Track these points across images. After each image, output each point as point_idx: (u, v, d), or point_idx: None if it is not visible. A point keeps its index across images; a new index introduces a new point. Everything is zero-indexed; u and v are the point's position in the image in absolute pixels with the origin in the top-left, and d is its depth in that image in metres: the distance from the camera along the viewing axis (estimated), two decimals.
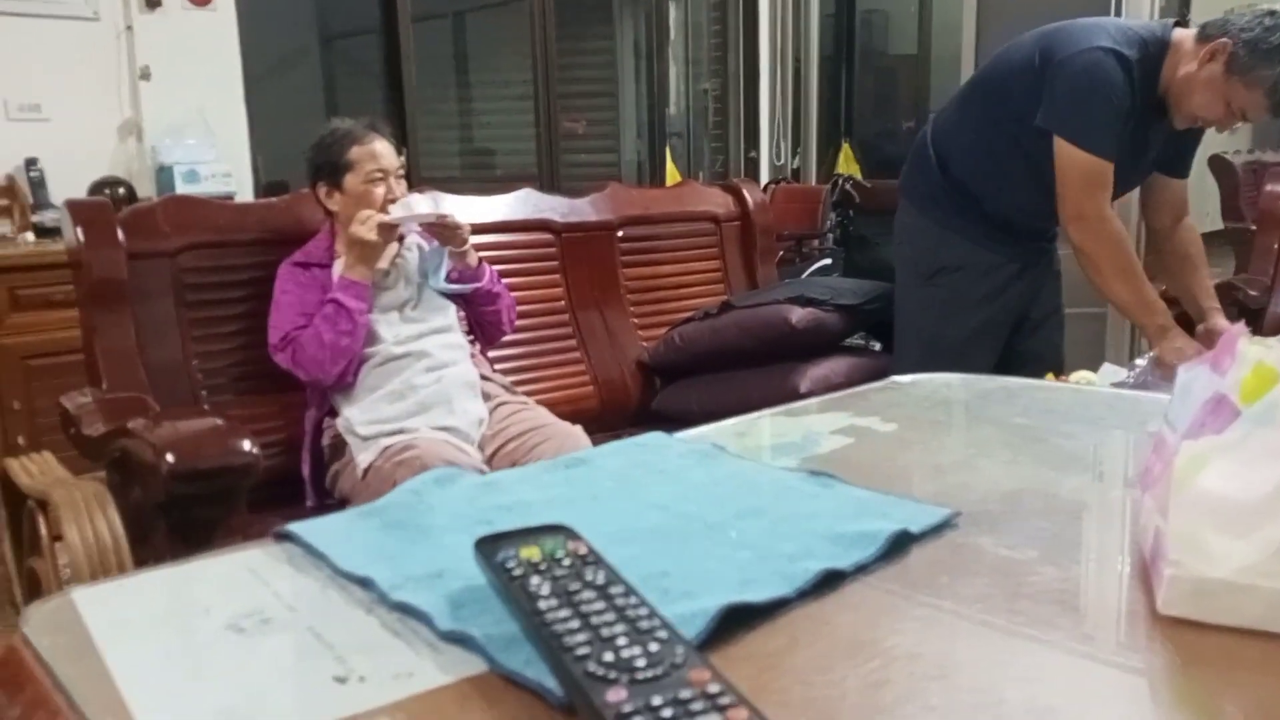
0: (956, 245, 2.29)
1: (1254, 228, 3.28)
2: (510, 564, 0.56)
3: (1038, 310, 2.40)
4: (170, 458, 1.52)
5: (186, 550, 0.75)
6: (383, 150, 2.07)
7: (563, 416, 2.08)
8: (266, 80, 4.12)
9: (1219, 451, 0.61)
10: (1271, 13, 2.00)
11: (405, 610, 0.59)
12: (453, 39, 5.01)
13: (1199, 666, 0.55)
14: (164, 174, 3.47)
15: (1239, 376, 0.64)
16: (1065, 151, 2.09)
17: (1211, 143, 5.83)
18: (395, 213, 2.00)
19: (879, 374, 1.38)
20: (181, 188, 3.35)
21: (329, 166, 2.06)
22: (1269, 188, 3.20)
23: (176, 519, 1.60)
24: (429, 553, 0.67)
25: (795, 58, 5.15)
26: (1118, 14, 3.28)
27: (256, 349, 2.06)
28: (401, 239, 2.09)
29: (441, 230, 2.06)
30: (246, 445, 1.56)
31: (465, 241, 2.07)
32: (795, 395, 2.12)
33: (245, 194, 3.63)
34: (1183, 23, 2.19)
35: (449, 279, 2.09)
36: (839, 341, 2.73)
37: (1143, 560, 0.65)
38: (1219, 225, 5.54)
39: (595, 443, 1.70)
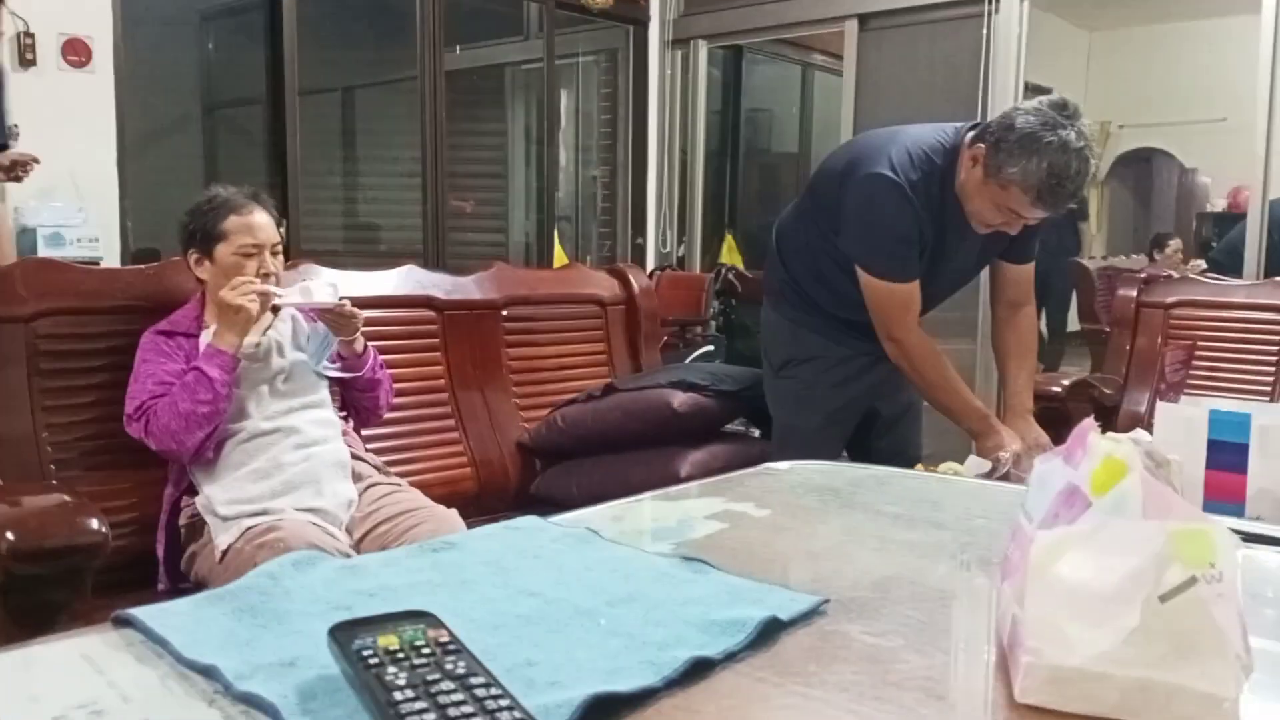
0: (805, 339, 2.33)
1: (1108, 330, 3.47)
2: (366, 652, 0.54)
3: (890, 407, 2.42)
4: (10, 535, 1.42)
5: (25, 637, 0.70)
6: (261, 223, 2.02)
7: (438, 499, 2.03)
8: (145, 146, 4.02)
9: (1073, 541, 0.63)
10: (1019, 108, 1.97)
11: (250, 702, 0.56)
12: (341, 113, 4.99)
13: None
14: (25, 236, 3.32)
15: (1090, 469, 0.67)
16: (865, 279, 2.15)
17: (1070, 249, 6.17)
18: (290, 297, 1.94)
19: (758, 459, 1.39)
20: (44, 251, 3.21)
21: (202, 234, 2.00)
22: (1121, 292, 3.39)
23: (16, 602, 1.49)
24: (281, 640, 0.63)
25: (682, 149, 5.29)
26: (984, 102, 3.45)
27: (113, 421, 1.95)
28: (276, 310, 2.02)
29: (337, 318, 2.00)
30: (95, 523, 1.47)
31: (357, 330, 2.03)
32: (676, 479, 2.12)
33: (113, 260, 3.50)
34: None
35: (331, 362, 2.04)
36: (719, 427, 2.75)
37: (1003, 649, 0.66)
38: (1076, 326, 5.86)
39: (471, 527, 1.66)
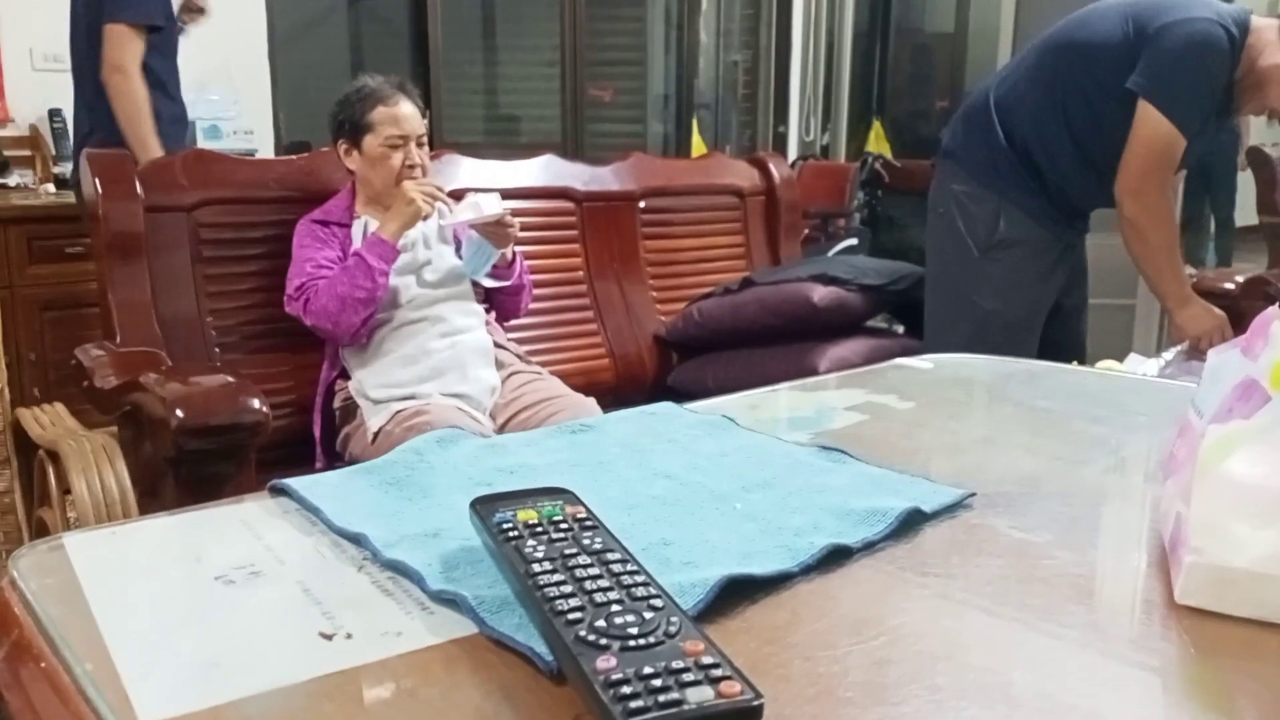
0: (1016, 218, 2.20)
1: None
2: (506, 525, 0.55)
3: (1069, 298, 2.34)
4: (180, 413, 1.51)
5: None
6: (407, 114, 2.04)
7: (577, 388, 2.06)
8: (292, 39, 4.10)
9: (1247, 437, 0.58)
10: None
11: (396, 569, 0.58)
12: (481, 3, 4.97)
13: (1215, 658, 0.53)
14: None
15: (1271, 360, 0.62)
16: (1150, 119, 2.02)
17: (1252, 135, 5.72)
18: (461, 214, 1.97)
19: (901, 355, 1.35)
20: (202, 143, 3.34)
21: (350, 125, 2.04)
22: None
23: (186, 475, 1.59)
24: (426, 512, 0.65)
25: (829, 32, 5.07)
26: None
27: (272, 307, 2.05)
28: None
29: (496, 229, 2.02)
30: (256, 404, 1.55)
31: (511, 242, 2.05)
32: (814, 374, 2.08)
33: (267, 151, 3.62)
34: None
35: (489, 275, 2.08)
36: (862, 322, 2.69)
37: (1162, 548, 0.63)
38: (1254, 219, 5.45)
39: None
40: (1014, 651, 0.52)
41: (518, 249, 2.14)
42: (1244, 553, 0.55)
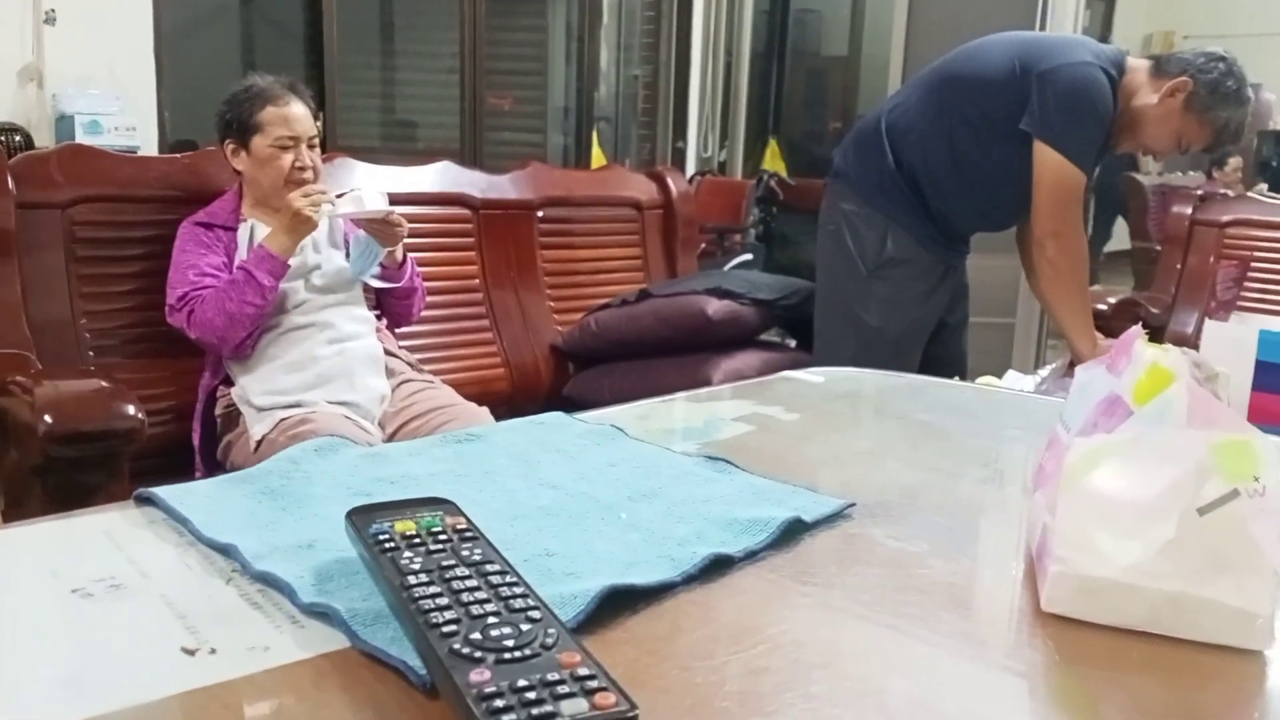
0: (902, 240, 2.26)
1: (1159, 248, 3.38)
2: (382, 536, 0.54)
3: (951, 316, 2.41)
4: (48, 418, 1.44)
5: None
6: (297, 115, 1.99)
7: (471, 398, 2.03)
8: (182, 34, 3.97)
9: (1110, 450, 0.60)
10: (1221, 57, 2.11)
11: (267, 581, 0.56)
12: (379, 6, 4.90)
13: (1080, 665, 0.55)
14: (64, 123, 3.32)
15: (1134, 377, 0.64)
16: (1051, 162, 2.10)
17: (1125, 165, 6.00)
18: (343, 207, 1.92)
19: (791, 369, 1.37)
20: (82, 139, 3.20)
21: (238, 124, 1.98)
22: (1175, 209, 3.30)
23: (54, 484, 1.52)
24: (300, 523, 0.63)
25: (728, 51, 5.15)
26: (1043, 26, 3.34)
27: (151, 310, 1.97)
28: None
29: (384, 228, 1.98)
30: (131, 409, 1.49)
31: (400, 240, 2.01)
32: (708, 386, 2.10)
33: (150, 150, 3.49)
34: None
35: (374, 274, 2.03)
36: (754, 336, 2.73)
37: (1031, 557, 0.65)
38: (1127, 245, 5.72)
39: None
40: (889, 659, 0.53)
41: (410, 253, 2.11)
42: (1106, 563, 0.57)
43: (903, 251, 2.26)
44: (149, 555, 0.60)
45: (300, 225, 1.88)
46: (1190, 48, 2.17)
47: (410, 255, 2.11)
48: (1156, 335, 2.92)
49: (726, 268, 3.97)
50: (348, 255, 2.05)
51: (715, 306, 2.53)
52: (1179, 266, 3.15)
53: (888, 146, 2.27)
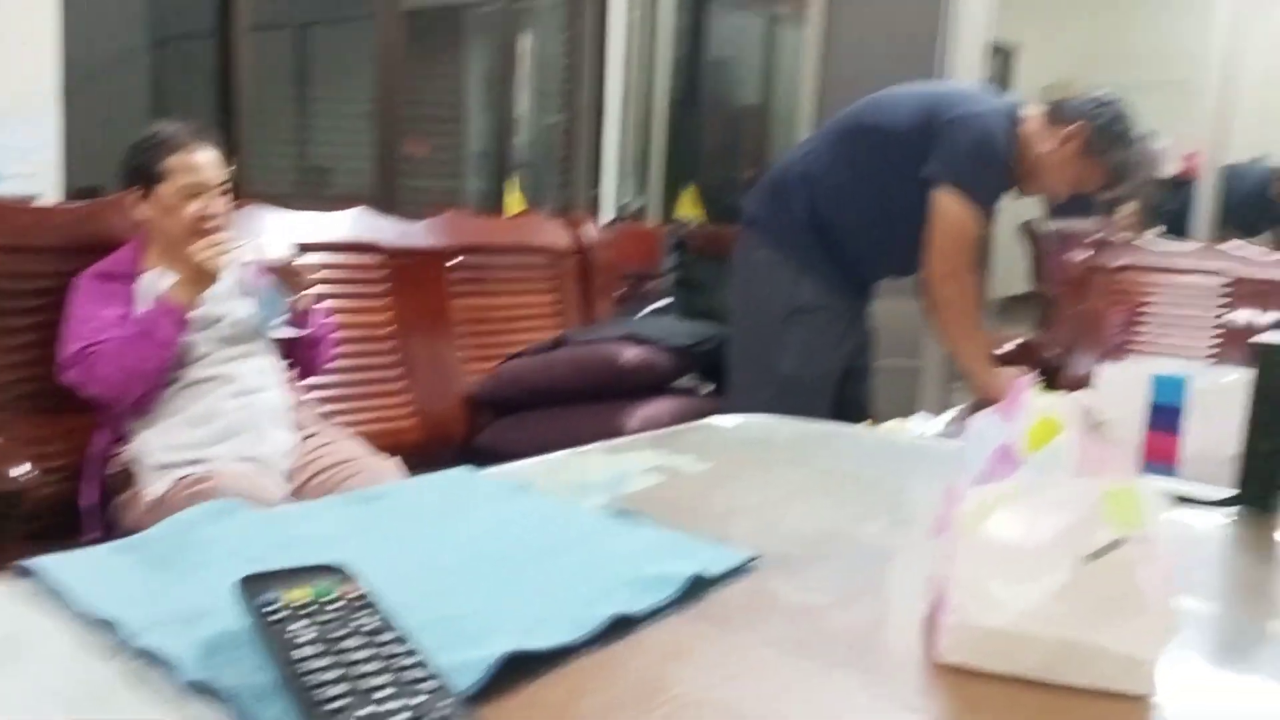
0: (813, 286, 2.30)
1: (1055, 293, 3.50)
2: (272, 606, 0.52)
3: (858, 362, 2.46)
4: None
5: None
6: (205, 161, 1.95)
7: (382, 449, 1.99)
8: (88, 78, 3.87)
9: (1002, 499, 0.62)
10: (1109, 101, 2.20)
11: (150, 656, 0.54)
12: (294, 51, 4.86)
13: (975, 715, 0.55)
14: None
15: (1025, 426, 0.66)
16: (952, 205, 2.15)
17: (1022, 210, 6.22)
18: (246, 255, 1.89)
19: (707, 415, 1.38)
20: None
21: (143, 172, 1.93)
22: (1069, 255, 3.42)
23: None
24: (190, 593, 0.61)
25: (644, 99, 5.21)
26: (941, 75, 3.46)
27: (45, 365, 1.89)
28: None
29: (287, 276, 1.94)
30: (20, 470, 1.43)
31: (304, 289, 1.98)
32: (623, 433, 2.09)
33: (53, 197, 3.38)
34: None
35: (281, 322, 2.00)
36: (670, 382, 2.74)
37: (930, 608, 0.66)
38: (1026, 288, 5.91)
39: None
40: (791, 714, 0.53)
41: (321, 301, 2.07)
42: (1000, 611, 0.59)
43: (815, 298, 2.30)
44: (25, 631, 0.57)
45: (203, 277, 1.84)
46: (1080, 92, 2.24)
47: (320, 303, 2.08)
48: (1054, 378, 3.01)
49: (642, 314, 3.99)
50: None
51: (630, 353, 2.54)
52: (1074, 311, 3.26)
53: (799, 194, 2.32)
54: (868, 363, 2.49)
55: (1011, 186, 2.26)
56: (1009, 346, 2.84)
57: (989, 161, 2.17)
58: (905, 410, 2.27)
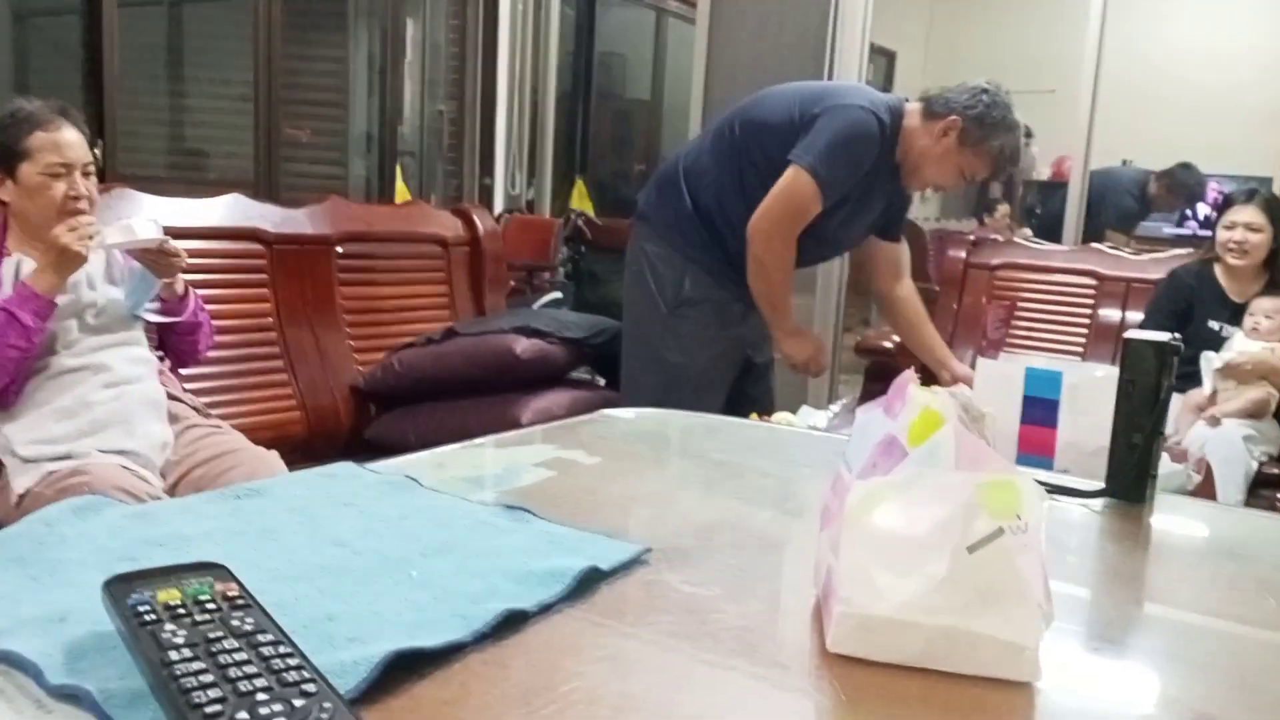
0: (700, 279, 2.33)
1: (937, 289, 3.61)
2: (142, 608, 0.49)
3: (760, 356, 2.49)
4: None
5: None
6: (70, 141, 1.85)
7: (264, 442, 1.93)
8: None
9: (887, 491, 0.63)
10: (985, 90, 2.24)
11: (10, 661, 0.50)
12: (167, 29, 4.65)
13: (863, 704, 0.56)
14: None
15: (908, 420, 0.68)
16: (796, 177, 2.18)
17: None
18: (111, 236, 1.79)
19: (601, 408, 1.38)
20: None
21: (4, 151, 1.82)
22: (950, 253, 3.53)
23: None
24: (53, 593, 0.58)
25: (534, 90, 5.17)
26: (829, 77, 3.53)
27: None
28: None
29: (159, 258, 1.86)
30: None
31: (177, 272, 1.89)
32: (516, 426, 2.08)
33: None
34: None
35: (151, 306, 1.91)
36: (564, 374, 2.73)
37: (817, 598, 0.67)
38: None
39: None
40: (683, 709, 0.53)
41: (197, 290, 1.99)
42: (885, 600, 0.60)
43: (701, 291, 2.32)
44: None
45: (67, 261, 1.75)
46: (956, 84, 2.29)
47: (195, 289, 2.00)
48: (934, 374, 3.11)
49: (535, 306, 3.96)
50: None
51: (523, 345, 2.52)
52: (955, 306, 3.37)
53: (685, 188, 2.35)
54: (769, 358, 2.51)
55: (898, 181, 2.31)
56: (895, 340, 2.92)
57: (846, 149, 2.20)
58: (794, 404, 2.30)
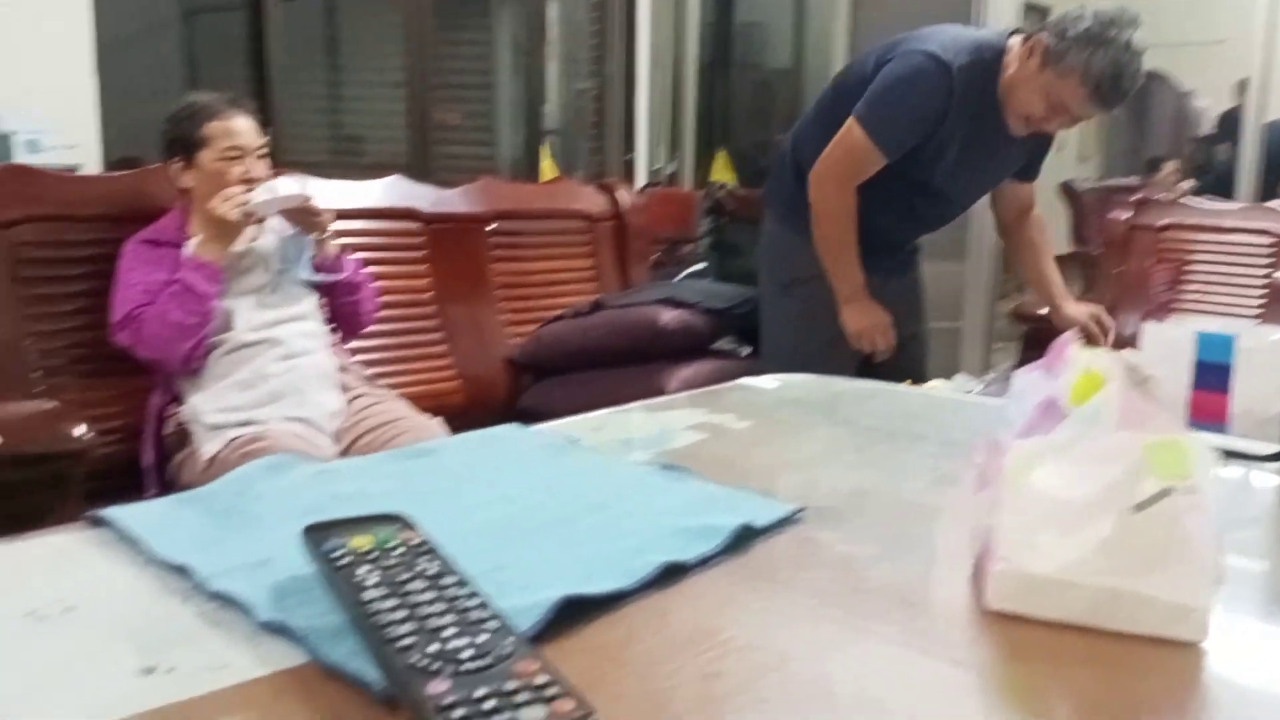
0: (808, 256, 2.26)
1: (1098, 252, 3.46)
2: (338, 553, 0.54)
3: (902, 330, 2.36)
4: None
5: None
6: (242, 127, 1.98)
7: (425, 411, 2.03)
8: (122, 51, 3.91)
9: (1048, 452, 0.62)
10: (1082, 12, 1.99)
11: (224, 599, 0.56)
12: (324, 20, 4.86)
13: (1024, 661, 0.56)
14: (1, 143, 3.25)
15: (1069, 381, 0.67)
16: (855, 131, 2.11)
17: (1063, 170, 6.13)
18: (258, 195, 1.92)
19: (745, 377, 1.39)
20: (21, 158, 3.14)
21: (184, 141, 1.97)
22: (1113, 215, 3.37)
23: (3, 507, 1.49)
24: (254, 541, 0.63)
25: (674, 63, 5.18)
26: (980, 24, 3.40)
27: (98, 330, 1.94)
28: (260, 221, 2.01)
29: (304, 216, 1.98)
30: (78, 430, 1.47)
31: (327, 228, 2.01)
32: (663, 395, 2.11)
33: (92, 168, 3.43)
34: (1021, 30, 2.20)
35: (312, 267, 2.03)
36: (708, 344, 2.75)
37: (976, 557, 0.67)
38: (1066, 249, 5.84)
39: None
40: (840, 660, 0.55)
41: (359, 256, 2.11)
42: (1047, 560, 0.59)
43: (810, 268, 2.26)
44: (103, 576, 0.60)
45: (225, 229, 1.89)
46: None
47: (355, 257, 2.11)
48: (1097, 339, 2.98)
49: (678, 278, 3.99)
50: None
51: (668, 316, 2.55)
52: (1118, 270, 3.22)
53: (792, 162, 2.30)
54: (914, 331, 2.42)
55: (932, 130, 2.13)
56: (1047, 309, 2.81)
57: (898, 99, 2.09)
58: (947, 371, 2.25)
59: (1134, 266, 3.19)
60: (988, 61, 2.08)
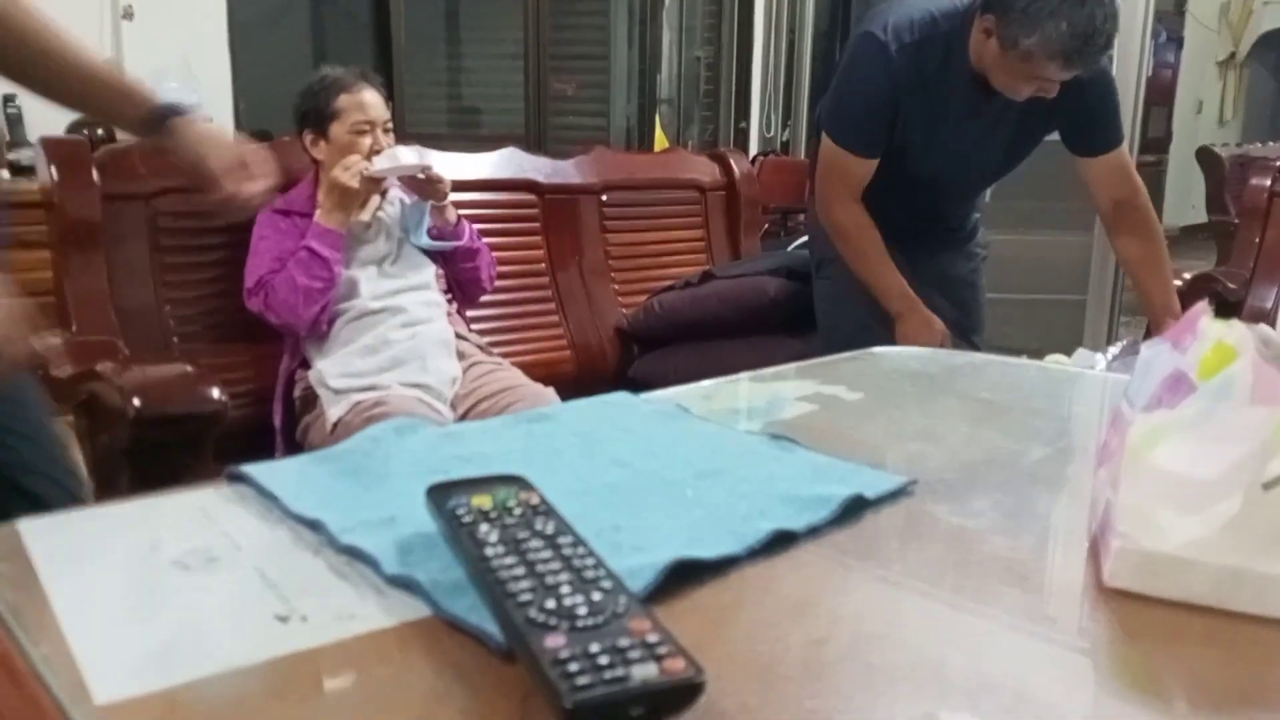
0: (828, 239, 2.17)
1: (1237, 221, 3.29)
2: (460, 511, 0.56)
3: (945, 316, 2.10)
4: (137, 402, 1.50)
5: None
6: (371, 100, 2.05)
7: (538, 379, 2.07)
8: (253, 28, 4.06)
9: (1173, 427, 0.61)
10: None
11: (352, 553, 0.59)
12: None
13: (1142, 640, 0.55)
14: None
15: (1199, 354, 0.64)
16: (824, 140, 2.03)
17: (1202, 135, 5.82)
18: (379, 163, 1.98)
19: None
20: None
21: (315, 114, 2.04)
22: (1254, 181, 3.20)
23: (142, 465, 1.59)
24: (381, 499, 0.66)
25: (790, 30, 5.11)
26: None
27: (231, 297, 2.04)
28: (384, 193, 2.07)
29: (423, 184, 2.04)
30: (215, 393, 1.55)
31: (445, 196, 2.06)
32: (771, 366, 2.10)
33: None
34: None
35: (430, 235, 2.08)
36: None
37: (1093, 534, 0.66)
38: (1204, 218, 5.57)
39: None
40: (948, 633, 0.54)
41: (475, 226, 2.16)
42: (1169, 538, 0.58)
43: (833, 249, 2.16)
44: (242, 529, 0.64)
45: (346, 197, 1.95)
46: None
47: (472, 224, 2.16)
48: (1234, 311, 2.85)
49: (790, 248, 3.96)
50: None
51: (777, 287, 2.54)
52: (1258, 240, 3.06)
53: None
54: (958, 319, 2.19)
55: (891, 115, 1.95)
56: (1186, 278, 2.70)
57: (844, 86, 1.97)
58: (1069, 345, 2.17)
59: (1274, 236, 3.02)
60: (946, 34, 1.89)
